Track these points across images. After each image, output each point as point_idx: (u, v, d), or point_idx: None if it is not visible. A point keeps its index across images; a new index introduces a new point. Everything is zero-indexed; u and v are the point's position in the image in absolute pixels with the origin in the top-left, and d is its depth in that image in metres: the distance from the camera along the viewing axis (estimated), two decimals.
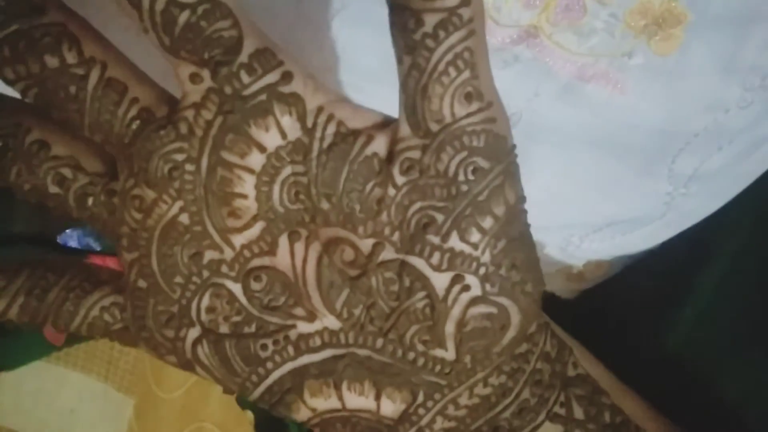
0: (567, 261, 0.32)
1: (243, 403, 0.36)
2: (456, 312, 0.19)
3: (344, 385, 0.20)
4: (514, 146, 0.20)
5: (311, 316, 0.20)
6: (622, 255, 0.31)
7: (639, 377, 0.26)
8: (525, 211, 0.20)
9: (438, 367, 0.20)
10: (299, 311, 0.20)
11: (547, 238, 0.31)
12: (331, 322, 0.20)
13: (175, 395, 0.39)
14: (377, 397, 0.20)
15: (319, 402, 0.20)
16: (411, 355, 0.20)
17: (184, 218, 0.19)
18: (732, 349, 0.28)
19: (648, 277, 0.31)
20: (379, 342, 0.20)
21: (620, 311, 0.32)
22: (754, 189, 0.28)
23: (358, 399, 0.20)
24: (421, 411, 0.20)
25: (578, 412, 0.21)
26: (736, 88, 0.24)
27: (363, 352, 0.20)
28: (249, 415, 0.36)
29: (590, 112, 0.25)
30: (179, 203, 0.19)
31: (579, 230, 0.30)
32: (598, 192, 0.28)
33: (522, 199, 0.20)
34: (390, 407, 0.20)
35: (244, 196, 0.19)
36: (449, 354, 0.20)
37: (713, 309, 0.28)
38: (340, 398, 0.20)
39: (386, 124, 0.19)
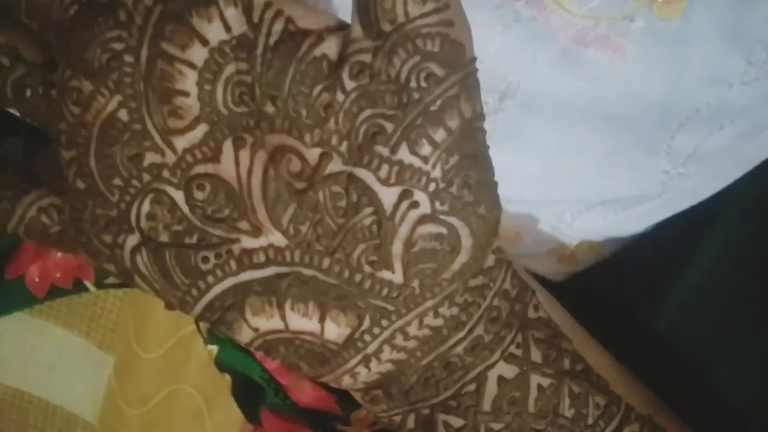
0: (559, 240, 0.32)
1: (221, 366, 0.35)
2: (404, 230, 0.19)
3: (287, 305, 0.19)
4: (474, 59, 0.19)
5: (256, 231, 0.19)
6: (615, 237, 0.31)
7: (629, 358, 0.26)
8: (483, 131, 0.19)
9: (385, 291, 0.19)
10: (244, 225, 0.19)
11: (539, 214, 0.30)
12: (277, 238, 0.19)
13: (154, 355, 0.39)
14: (321, 320, 0.19)
15: (261, 321, 0.20)
16: (357, 277, 0.19)
17: (123, 114, 0.18)
18: (722, 332, 0.27)
19: (638, 260, 0.31)
20: (326, 262, 0.19)
21: (610, 294, 0.31)
22: (749, 175, 0.27)
23: (301, 320, 0.20)
24: (366, 337, 0.20)
25: (536, 355, 0.21)
26: (740, 60, 0.23)
27: (308, 271, 0.19)
28: (227, 378, 0.35)
29: (589, 81, 0.24)
30: (118, 97, 0.18)
31: (572, 207, 0.29)
32: (593, 167, 0.27)
33: (480, 117, 0.19)
34: (334, 331, 0.20)
35: (186, 94, 0.18)
36: (396, 277, 0.19)
37: (704, 292, 0.28)
38: (283, 318, 0.19)
39: (340, 28, 0.19)
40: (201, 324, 0.35)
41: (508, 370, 0.21)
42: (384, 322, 0.19)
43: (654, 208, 0.28)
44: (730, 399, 0.26)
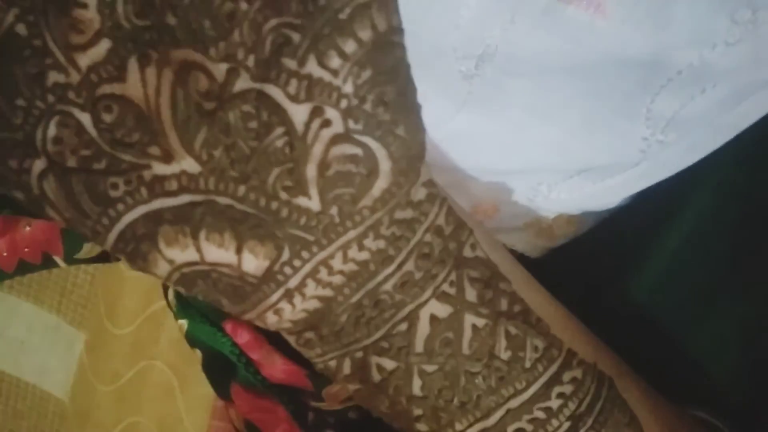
0: (536, 213, 0.31)
1: (192, 341, 0.34)
2: (317, 151, 0.18)
3: (202, 235, 0.18)
4: None
5: (167, 157, 0.18)
6: (592, 210, 0.30)
7: (605, 330, 0.25)
8: (403, 48, 0.18)
9: (303, 219, 0.18)
10: (155, 150, 0.18)
11: (515, 185, 0.29)
12: (190, 164, 0.18)
13: (125, 331, 0.38)
14: (238, 251, 0.19)
15: (176, 253, 0.19)
16: (274, 205, 0.18)
17: (21, 29, 0.17)
18: (700, 302, 0.27)
19: (615, 231, 0.30)
20: (241, 189, 0.18)
21: (586, 266, 0.31)
22: (726, 144, 0.26)
23: (217, 251, 0.19)
24: (287, 270, 0.19)
25: (471, 294, 0.20)
26: (724, 18, 0.22)
27: (223, 200, 0.18)
28: (198, 354, 0.35)
29: (570, 40, 0.23)
30: (15, 10, 0.17)
31: (548, 177, 0.29)
32: (571, 132, 0.26)
33: (397, 31, 0.18)
34: (252, 263, 0.19)
35: (84, 5, 0.17)
36: (313, 203, 0.18)
37: (682, 262, 0.27)
38: (198, 249, 0.19)
39: None
40: (170, 298, 0.34)
41: (441, 309, 0.20)
42: (305, 254, 0.19)
43: (632, 178, 0.28)
44: (708, 368, 0.26)
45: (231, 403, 0.34)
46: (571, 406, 0.21)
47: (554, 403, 0.21)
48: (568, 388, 0.21)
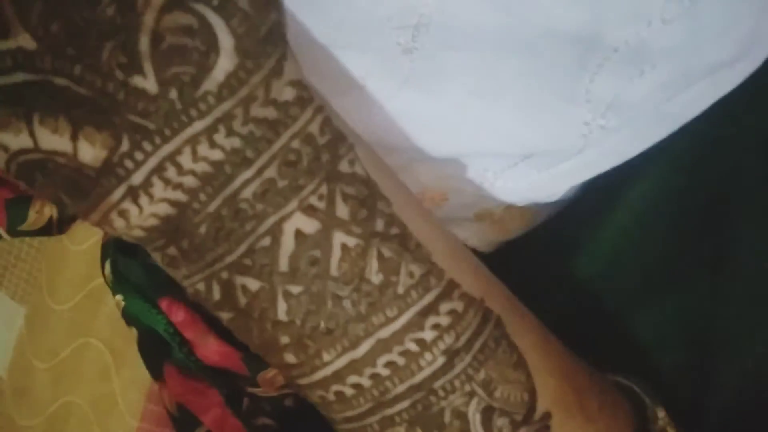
0: (485, 203, 0.30)
1: (128, 318, 0.33)
2: (148, 20, 0.16)
3: (36, 119, 0.17)
4: None
5: (3, 31, 0.17)
6: (539, 200, 0.29)
7: (552, 313, 0.24)
8: None
9: (141, 104, 0.17)
10: None
11: (462, 170, 0.29)
12: (26, 40, 0.17)
13: (65, 307, 0.37)
14: (73, 137, 0.17)
15: (10, 138, 0.18)
16: (110, 87, 0.17)
17: None
18: (644, 285, 0.26)
19: (561, 214, 0.29)
20: (77, 69, 0.17)
21: (534, 252, 0.30)
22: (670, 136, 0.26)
23: (51, 137, 0.17)
24: (128, 163, 0.17)
25: (342, 211, 0.19)
26: None
27: (60, 81, 0.17)
28: (134, 332, 0.34)
29: (506, 10, 0.23)
30: None
31: (493, 163, 0.28)
32: (513, 114, 0.26)
33: None
34: (89, 152, 0.17)
35: None
36: (150, 84, 0.17)
37: (627, 245, 0.27)
38: (32, 134, 0.17)
39: None
40: (107, 272, 0.33)
41: (308, 224, 0.19)
42: (147, 146, 0.17)
43: (576, 166, 0.27)
44: (650, 352, 0.25)
45: (164, 384, 0.33)
46: (447, 339, 0.20)
47: (428, 335, 0.20)
48: (444, 320, 0.20)
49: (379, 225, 0.19)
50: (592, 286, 0.27)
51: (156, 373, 0.33)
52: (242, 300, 0.20)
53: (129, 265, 0.32)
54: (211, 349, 0.32)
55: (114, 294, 0.33)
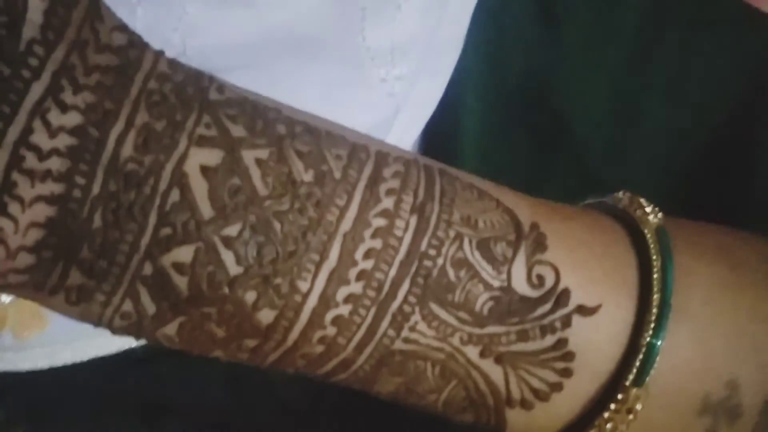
0: None
1: None
2: None
3: None
4: None
5: None
6: None
7: None
8: None
9: None
10: None
11: None
12: None
13: None
14: None
15: None
16: None
17: None
18: None
19: None
20: None
21: None
22: (482, 62, 0.26)
23: None
24: None
25: (237, 130, 0.17)
26: None
27: None
28: None
29: (247, 6, 0.23)
30: None
31: None
32: (318, 102, 0.25)
33: None
34: None
35: None
36: None
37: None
38: None
39: None
40: None
41: (209, 155, 0.17)
42: None
43: (401, 130, 0.27)
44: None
45: None
46: (407, 198, 0.18)
47: (387, 203, 0.18)
48: (394, 183, 0.18)
49: (281, 129, 0.18)
50: None
51: None
52: (182, 284, 0.17)
53: None
54: None
55: None
